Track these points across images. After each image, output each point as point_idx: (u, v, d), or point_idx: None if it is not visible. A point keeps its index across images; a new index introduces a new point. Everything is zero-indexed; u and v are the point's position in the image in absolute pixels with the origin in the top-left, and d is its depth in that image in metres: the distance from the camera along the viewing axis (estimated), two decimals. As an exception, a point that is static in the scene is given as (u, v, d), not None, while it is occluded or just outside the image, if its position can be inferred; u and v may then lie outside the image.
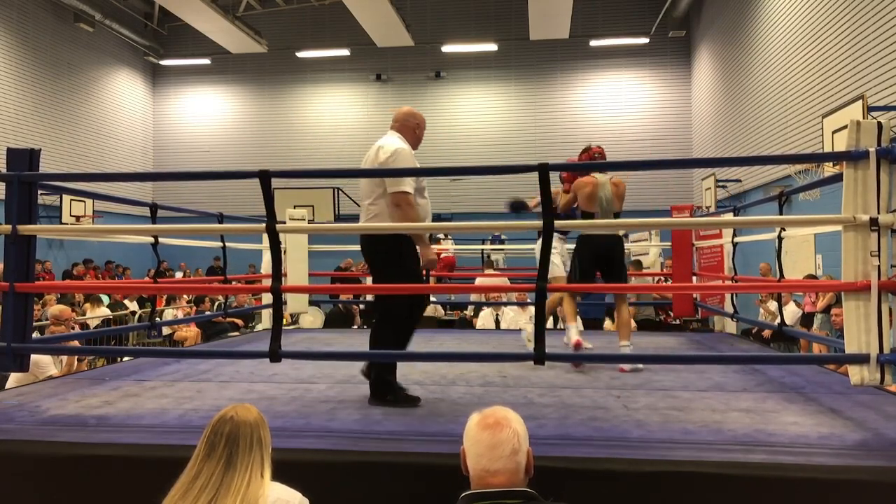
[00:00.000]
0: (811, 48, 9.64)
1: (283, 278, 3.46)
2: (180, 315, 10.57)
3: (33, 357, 3.97)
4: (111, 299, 10.87)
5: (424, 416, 3.14)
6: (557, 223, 2.96)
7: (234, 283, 7.12)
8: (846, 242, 2.75)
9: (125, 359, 5.91)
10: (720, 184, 12.85)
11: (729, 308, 6.05)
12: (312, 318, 8.51)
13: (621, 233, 11.75)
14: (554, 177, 3.09)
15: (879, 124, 2.75)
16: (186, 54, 18.05)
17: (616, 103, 17.01)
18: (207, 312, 9.23)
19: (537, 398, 3.48)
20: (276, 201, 3.19)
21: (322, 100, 18.19)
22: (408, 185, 3.36)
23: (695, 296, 6.61)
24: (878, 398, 3.34)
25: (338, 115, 17.98)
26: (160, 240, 5.08)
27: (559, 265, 5.30)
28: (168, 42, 18.39)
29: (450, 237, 11.81)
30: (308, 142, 17.93)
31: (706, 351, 5.32)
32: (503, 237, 12.07)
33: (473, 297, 8.57)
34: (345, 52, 17.05)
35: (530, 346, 4.55)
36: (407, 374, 3.52)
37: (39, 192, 3.50)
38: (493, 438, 1.75)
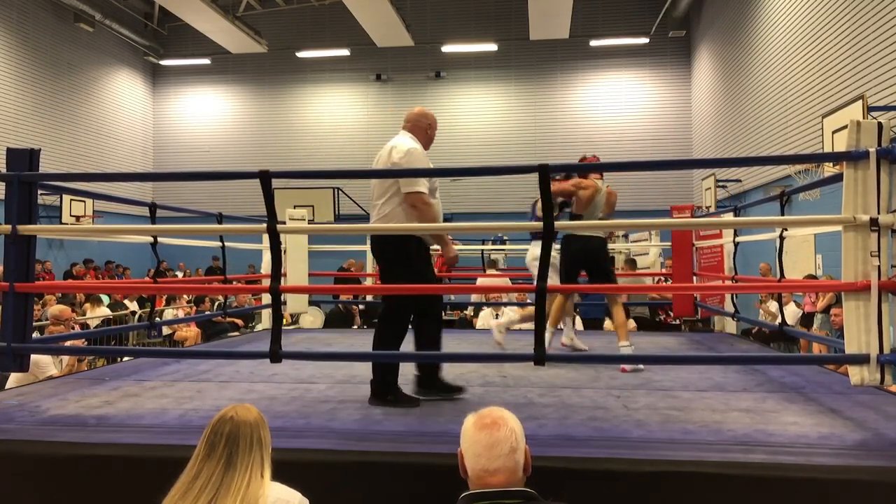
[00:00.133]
0: (811, 48, 9.65)
1: (282, 278, 3.46)
2: (180, 315, 10.57)
3: (33, 357, 3.97)
4: (111, 299, 10.88)
5: (424, 416, 3.14)
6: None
7: (234, 283, 7.12)
8: (846, 242, 2.75)
9: (125, 359, 5.91)
10: (720, 184, 12.86)
11: (729, 308, 6.04)
12: (312, 318, 8.51)
13: (620, 233, 11.78)
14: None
15: (879, 124, 2.75)
16: (186, 54, 18.05)
17: (616, 103, 17.01)
18: (207, 312, 9.23)
19: (537, 398, 3.48)
20: (276, 201, 3.19)
21: (322, 100, 18.19)
22: (422, 185, 3.37)
23: (695, 296, 6.61)
24: (878, 398, 3.34)
25: (338, 115, 17.98)
26: (160, 240, 5.08)
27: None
28: (168, 42, 18.39)
29: (450, 237, 11.78)
30: (308, 142, 17.92)
31: (706, 351, 5.32)
32: (504, 237, 12.08)
33: (474, 298, 8.56)
34: (345, 52, 17.05)
35: (500, 338, 4.59)
36: (407, 373, 3.52)
37: (39, 192, 3.50)
38: (491, 438, 1.76)
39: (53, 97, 15.12)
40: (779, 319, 4.89)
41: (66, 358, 5.44)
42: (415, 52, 16.99)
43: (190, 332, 9.23)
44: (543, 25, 15.14)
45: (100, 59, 16.73)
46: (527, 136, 17.15)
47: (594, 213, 4.79)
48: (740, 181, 12.83)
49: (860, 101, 7.04)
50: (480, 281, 8.78)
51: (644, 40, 16.36)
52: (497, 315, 8.13)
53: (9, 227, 3.24)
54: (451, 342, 5.91)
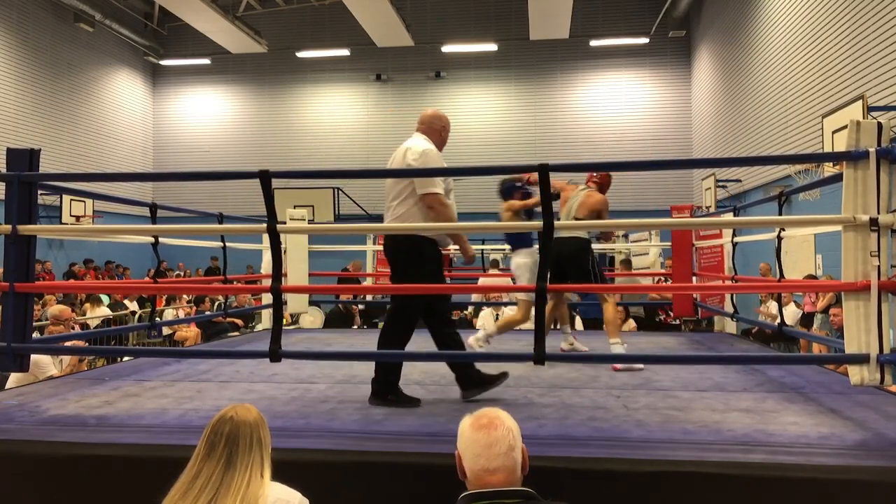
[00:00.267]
0: (811, 48, 9.65)
1: (283, 278, 3.46)
2: (180, 315, 10.57)
3: (33, 357, 3.97)
4: (111, 299, 10.88)
5: (424, 416, 3.14)
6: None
7: (234, 283, 7.12)
8: (846, 242, 2.75)
9: (125, 359, 5.91)
10: (720, 184, 12.86)
11: (729, 308, 6.04)
12: (312, 318, 8.51)
13: (620, 233, 11.74)
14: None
15: (879, 124, 2.75)
16: (186, 54, 18.05)
17: (616, 103, 17.02)
18: (207, 312, 9.23)
19: (537, 398, 3.48)
20: (276, 201, 3.19)
21: (322, 100, 18.20)
22: (438, 185, 3.38)
23: (695, 296, 6.61)
24: (878, 398, 3.34)
25: (338, 115, 17.98)
26: (160, 240, 5.08)
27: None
28: (168, 42, 18.39)
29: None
30: (308, 142, 17.93)
31: (706, 351, 5.32)
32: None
33: (474, 297, 8.56)
34: (345, 52, 17.05)
35: (478, 347, 4.58)
36: (407, 373, 3.52)
37: (39, 192, 3.50)
38: (489, 437, 1.77)
39: (53, 97, 15.12)
40: (778, 320, 4.89)
41: (66, 358, 5.44)
42: (415, 52, 17.00)
43: (190, 333, 9.23)
44: (543, 25, 15.14)
45: (100, 59, 16.73)
46: (527, 136, 17.15)
47: (568, 216, 4.91)
48: (740, 181, 12.83)
49: (860, 101, 7.04)
50: (482, 281, 8.78)
51: (644, 40, 16.37)
52: (497, 315, 8.13)
53: (9, 227, 3.24)
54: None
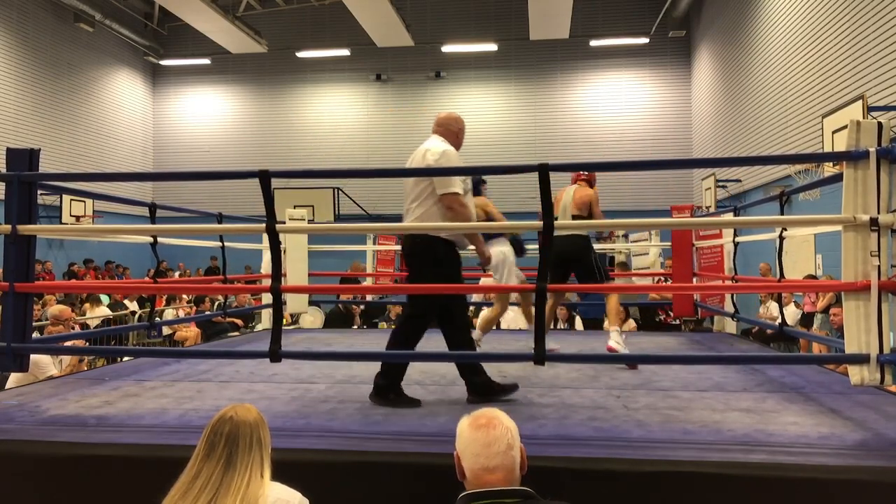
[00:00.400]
0: (811, 48, 9.65)
1: (282, 278, 3.46)
2: (180, 315, 10.57)
3: (33, 357, 3.97)
4: (111, 299, 10.88)
5: (424, 415, 3.14)
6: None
7: (234, 283, 7.11)
8: (846, 242, 2.75)
9: (125, 359, 5.91)
10: (720, 184, 12.86)
11: (729, 308, 6.04)
12: (312, 318, 8.50)
13: (620, 233, 11.75)
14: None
15: (879, 124, 2.75)
16: (186, 54, 18.05)
17: (616, 103, 17.02)
18: (207, 312, 9.23)
19: (537, 398, 3.48)
20: (275, 201, 3.19)
21: (322, 100, 18.19)
22: (457, 185, 3.38)
23: (695, 296, 6.61)
24: (878, 398, 3.34)
25: (338, 115, 17.98)
26: (160, 240, 5.08)
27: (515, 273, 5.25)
28: (168, 42, 18.39)
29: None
30: (308, 142, 17.92)
31: (706, 351, 5.32)
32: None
33: (474, 298, 8.55)
34: (345, 52, 17.05)
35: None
36: (407, 373, 3.51)
37: (39, 192, 3.50)
38: (488, 436, 1.78)
39: (53, 97, 15.12)
40: (779, 320, 4.88)
41: (66, 358, 5.44)
42: (415, 52, 16.99)
43: (190, 332, 9.23)
44: (543, 25, 15.14)
45: (100, 59, 16.73)
46: (527, 136, 17.15)
47: (563, 215, 4.97)
48: (740, 181, 12.83)
49: (860, 101, 7.04)
50: (483, 281, 8.76)
51: (644, 40, 16.36)
52: (497, 315, 8.12)
53: (9, 227, 3.24)
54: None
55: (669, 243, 7.11)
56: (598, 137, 16.79)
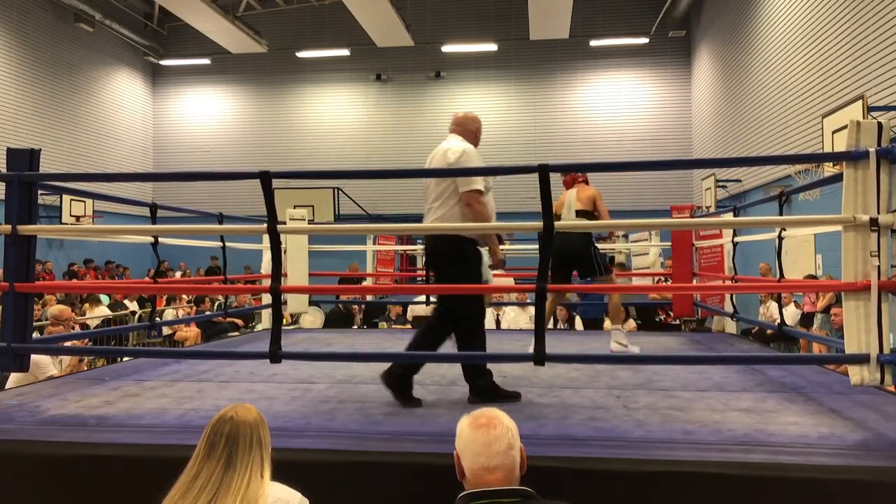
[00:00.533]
0: (811, 48, 9.65)
1: (283, 278, 3.46)
2: (180, 315, 10.57)
3: (33, 357, 3.96)
4: (111, 299, 10.87)
5: (424, 415, 3.14)
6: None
7: (234, 283, 7.11)
8: (846, 242, 2.75)
9: (125, 359, 5.91)
10: (720, 184, 12.86)
11: (729, 308, 6.05)
12: (312, 318, 8.50)
13: (620, 233, 11.79)
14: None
15: (879, 124, 2.75)
16: (186, 54, 18.05)
17: (616, 103, 17.02)
18: (207, 312, 9.23)
19: (537, 398, 3.48)
20: (276, 201, 3.19)
21: (322, 100, 18.19)
22: (479, 183, 3.39)
23: (695, 296, 6.61)
24: (878, 398, 3.34)
25: (338, 115, 17.98)
26: (160, 240, 5.08)
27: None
28: (168, 42, 18.40)
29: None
30: (308, 142, 17.93)
31: (706, 351, 5.32)
32: (505, 238, 12.07)
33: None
34: (345, 52, 17.05)
35: None
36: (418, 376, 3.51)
37: (39, 192, 3.50)
38: (488, 436, 1.78)
39: (53, 97, 15.12)
40: (778, 320, 4.89)
41: (66, 358, 5.44)
42: (415, 52, 16.99)
43: (190, 333, 9.24)
44: (543, 25, 15.14)
45: (100, 59, 16.73)
46: (527, 136, 17.15)
47: (567, 215, 5.02)
48: (740, 181, 12.83)
49: (860, 101, 7.04)
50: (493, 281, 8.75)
51: (644, 40, 16.37)
52: (498, 315, 8.14)
53: (9, 227, 3.24)
54: (451, 342, 5.90)
55: (669, 243, 7.11)
56: (598, 137, 16.80)
